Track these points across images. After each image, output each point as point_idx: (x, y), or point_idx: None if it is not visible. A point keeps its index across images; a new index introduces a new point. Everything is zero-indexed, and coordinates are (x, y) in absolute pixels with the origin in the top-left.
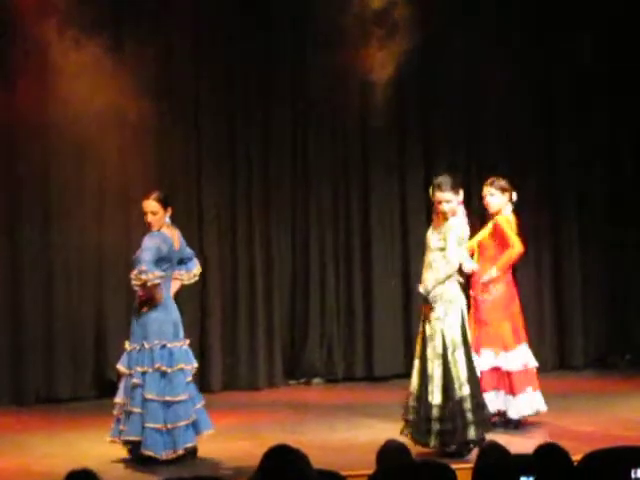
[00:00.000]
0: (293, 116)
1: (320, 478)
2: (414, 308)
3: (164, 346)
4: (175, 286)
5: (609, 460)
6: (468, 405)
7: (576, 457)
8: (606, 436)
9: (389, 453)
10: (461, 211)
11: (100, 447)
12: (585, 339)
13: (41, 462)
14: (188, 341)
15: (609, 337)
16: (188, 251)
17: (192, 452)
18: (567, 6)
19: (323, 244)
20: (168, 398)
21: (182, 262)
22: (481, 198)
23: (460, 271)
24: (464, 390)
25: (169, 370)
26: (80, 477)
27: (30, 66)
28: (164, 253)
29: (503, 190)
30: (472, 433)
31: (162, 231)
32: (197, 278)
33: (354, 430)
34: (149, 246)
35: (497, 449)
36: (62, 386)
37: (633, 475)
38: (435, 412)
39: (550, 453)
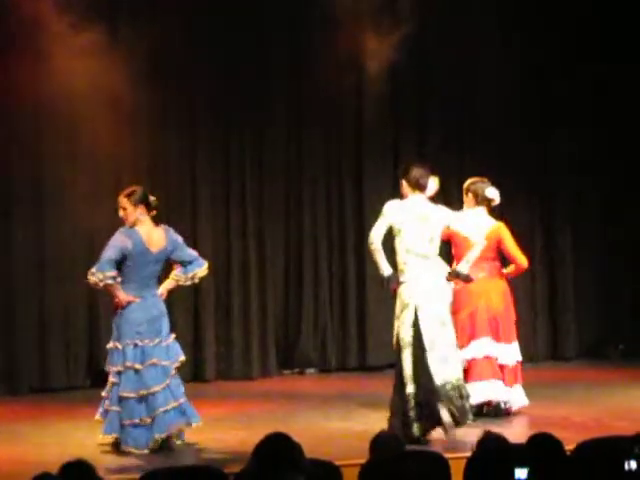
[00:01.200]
0: (287, 111)
1: (313, 467)
2: None
3: (136, 345)
4: (168, 285)
5: (602, 450)
6: (411, 404)
7: (569, 447)
8: (599, 426)
9: (382, 442)
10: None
11: (94, 437)
12: (577, 329)
13: (35, 452)
14: (173, 336)
15: (601, 327)
16: (188, 253)
17: (177, 435)
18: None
19: (316, 235)
20: (143, 392)
21: (183, 263)
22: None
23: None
24: (408, 389)
25: (141, 367)
26: (75, 468)
27: (24, 49)
28: (129, 251)
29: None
30: (415, 430)
31: (134, 228)
32: (197, 280)
33: (347, 420)
34: (111, 244)
35: (495, 438)
36: (56, 376)
37: (626, 466)
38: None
39: (543, 443)
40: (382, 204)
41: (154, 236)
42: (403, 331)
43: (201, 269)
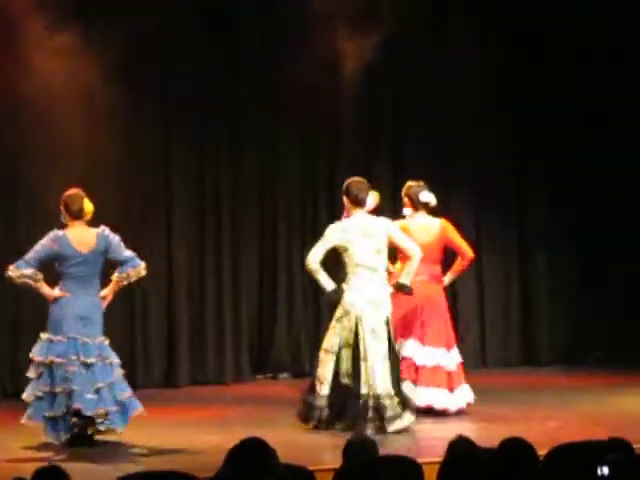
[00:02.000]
0: (263, 111)
1: (288, 472)
2: None
3: (51, 341)
4: (111, 286)
5: (574, 455)
6: (322, 403)
7: (541, 452)
8: (572, 431)
9: (355, 448)
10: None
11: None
12: (551, 335)
13: (8, 458)
14: (101, 338)
15: (577, 333)
16: (123, 253)
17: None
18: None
19: (290, 239)
20: (59, 388)
21: (119, 263)
22: None
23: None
24: (323, 390)
25: (46, 361)
26: (48, 475)
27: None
28: (55, 252)
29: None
30: (338, 427)
31: (63, 232)
32: (133, 280)
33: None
34: (37, 245)
35: (465, 443)
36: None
37: (599, 472)
38: None
39: (515, 448)
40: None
41: (85, 238)
42: (337, 336)
43: (135, 269)
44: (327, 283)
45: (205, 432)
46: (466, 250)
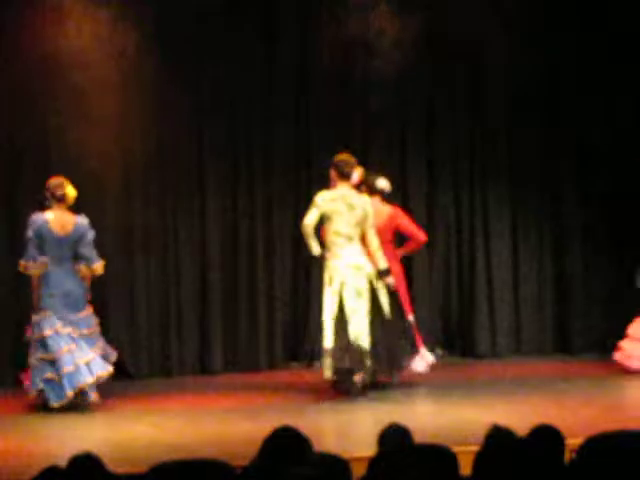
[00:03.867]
0: (296, 110)
1: (321, 461)
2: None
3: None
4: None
5: (609, 444)
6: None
7: (577, 440)
8: (606, 421)
9: (390, 436)
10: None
11: (99, 430)
12: (585, 323)
13: (40, 444)
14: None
15: (610, 321)
16: (87, 250)
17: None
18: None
19: None
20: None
21: (80, 257)
22: None
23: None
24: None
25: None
26: (84, 462)
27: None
28: (34, 231)
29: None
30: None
31: (43, 213)
32: (85, 274)
33: (355, 412)
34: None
35: (503, 433)
36: None
37: None
38: None
39: (546, 435)
40: None
41: (63, 221)
42: (330, 298)
43: (88, 267)
44: (316, 248)
45: (238, 420)
46: (416, 234)
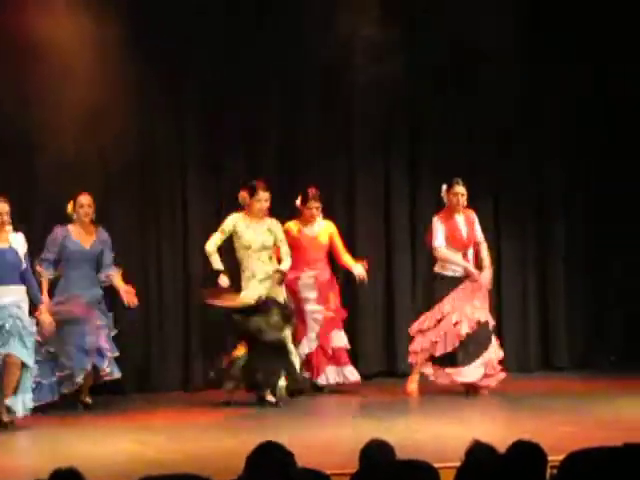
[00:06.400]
0: (281, 106)
1: (304, 476)
2: (397, 304)
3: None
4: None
5: (590, 461)
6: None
7: (558, 457)
8: (587, 437)
9: (372, 452)
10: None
11: (85, 445)
12: (569, 340)
13: (22, 459)
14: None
15: (593, 338)
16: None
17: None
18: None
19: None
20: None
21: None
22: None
23: None
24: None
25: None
26: (66, 476)
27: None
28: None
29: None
30: None
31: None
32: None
33: (339, 428)
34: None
35: (484, 449)
36: None
37: None
38: None
39: (527, 451)
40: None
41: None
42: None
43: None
44: (217, 265)
45: (221, 436)
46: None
